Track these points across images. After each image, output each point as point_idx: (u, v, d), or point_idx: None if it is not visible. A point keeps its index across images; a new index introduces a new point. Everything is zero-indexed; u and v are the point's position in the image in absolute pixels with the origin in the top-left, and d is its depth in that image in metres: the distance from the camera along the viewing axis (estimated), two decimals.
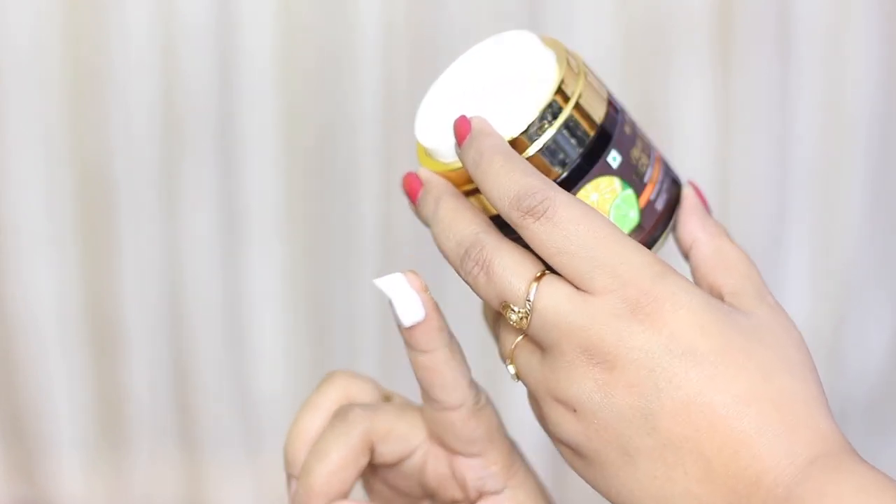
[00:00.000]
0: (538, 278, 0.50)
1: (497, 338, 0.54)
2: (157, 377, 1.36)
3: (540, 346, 0.51)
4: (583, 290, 0.50)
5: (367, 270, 1.34)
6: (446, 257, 0.53)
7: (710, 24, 1.30)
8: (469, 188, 0.53)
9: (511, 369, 0.53)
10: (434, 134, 0.55)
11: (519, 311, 0.50)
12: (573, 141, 0.52)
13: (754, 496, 0.47)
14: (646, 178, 0.54)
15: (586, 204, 0.51)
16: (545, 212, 0.49)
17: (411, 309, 0.53)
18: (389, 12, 1.27)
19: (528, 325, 0.50)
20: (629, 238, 0.50)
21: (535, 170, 0.51)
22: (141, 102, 1.28)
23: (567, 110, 0.52)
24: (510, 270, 0.51)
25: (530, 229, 0.50)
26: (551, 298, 0.50)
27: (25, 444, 1.38)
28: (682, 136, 1.33)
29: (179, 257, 1.33)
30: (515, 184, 0.50)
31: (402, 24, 1.27)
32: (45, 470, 1.38)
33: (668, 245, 0.56)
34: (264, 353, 1.37)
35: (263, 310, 1.36)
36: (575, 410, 0.50)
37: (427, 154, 0.55)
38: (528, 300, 0.50)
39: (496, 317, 0.54)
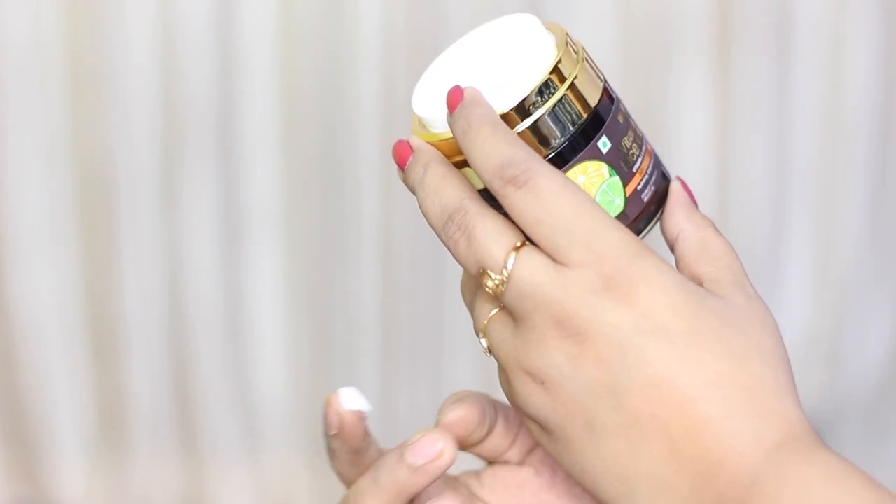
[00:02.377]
0: (518, 248, 0.50)
1: (472, 311, 0.54)
2: (157, 377, 1.36)
3: (513, 316, 0.51)
4: (560, 263, 0.50)
5: (367, 270, 1.34)
6: (430, 222, 0.53)
7: (710, 24, 1.30)
8: (459, 159, 0.54)
9: (483, 342, 0.53)
10: (428, 104, 0.55)
11: (496, 279, 0.50)
12: (564, 121, 0.53)
13: (717, 479, 0.47)
14: (635, 168, 0.54)
15: (568, 178, 0.51)
16: (527, 182, 0.50)
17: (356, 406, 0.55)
18: (389, 14, 1.27)
19: (504, 294, 0.50)
20: (609, 216, 0.50)
21: (521, 142, 0.51)
22: (141, 102, 1.28)
23: (561, 90, 0.53)
24: (491, 238, 0.51)
25: (511, 198, 0.50)
26: (528, 268, 0.50)
27: (26, 444, 1.38)
28: (682, 136, 1.33)
29: (179, 257, 1.33)
30: (501, 154, 0.50)
31: (402, 26, 1.27)
32: (46, 470, 1.38)
33: (656, 235, 0.56)
34: (264, 353, 1.37)
35: (263, 310, 1.36)
36: (543, 382, 0.50)
37: (421, 124, 0.56)
38: (506, 268, 0.50)
39: (473, 291, 0.55)
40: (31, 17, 1.26)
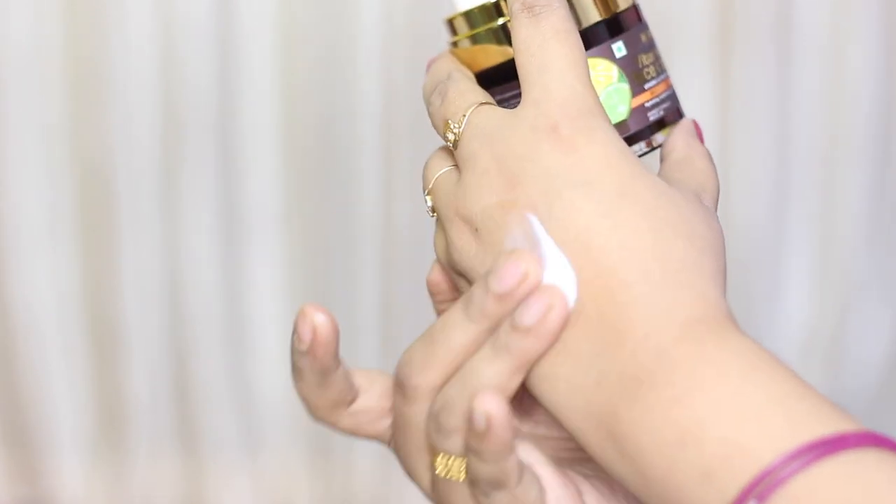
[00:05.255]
0: (483, 104, 0.51)
1: (424, 175, 0.54)
2: (157, 377, 1.36)
3: (461, 167, 0.51)
4: (520, 102, 0.50)
5: (368, 270, 1.34)
6: (424, 99, 0.54)
7: (711, 24, 1.30)
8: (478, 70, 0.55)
9: (429, 200, 0.53)
10: None
11: (455, 130, 0.51)
12: (587, 10, 0.54)
13: (623, 346, 0.45)
14: (646, 86, 0.55)
15: (578, 35, 0.51)
16: (539, 14, 0.51)
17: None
18: (389, 12, 1.27)
19: (459, 142, 0.51)
20: (587, 76, 0.50)
21: None
22: (141, 102, 1.28)
23: None
24: (461, 95, 0.52)
25: (518, 20, 0.51)
26: (485, 117, 0.50)
27: (26, 444, 1.38)
28: None
29: (179, 257, 1.33)
30: None
31: (402, 24, 1.27)
32: (46, 470, 1.38)
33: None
34: (264, 353, 1.37)
35: (263, 310, 1.36)
36: (477, 230, 0.50)
37: (451, 4, 0.57)
38: (465, 116, 0.51)
39: (432, 166, 0.55)
40: (31, 17, 1.26)
